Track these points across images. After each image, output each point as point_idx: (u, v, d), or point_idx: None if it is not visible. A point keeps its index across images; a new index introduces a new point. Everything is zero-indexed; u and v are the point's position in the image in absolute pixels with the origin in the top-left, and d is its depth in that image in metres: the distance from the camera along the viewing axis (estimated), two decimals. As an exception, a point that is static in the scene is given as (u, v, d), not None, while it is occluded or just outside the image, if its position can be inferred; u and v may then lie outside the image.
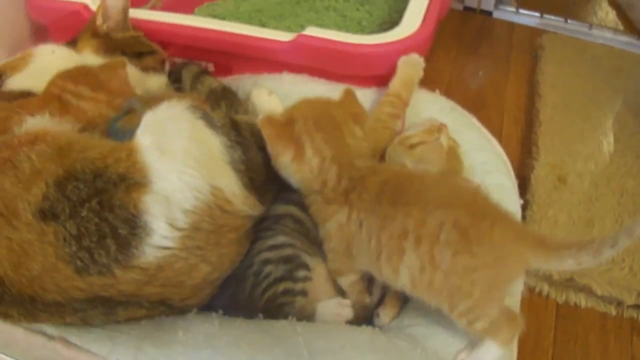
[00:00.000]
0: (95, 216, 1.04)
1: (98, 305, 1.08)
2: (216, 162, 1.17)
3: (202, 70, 1.63)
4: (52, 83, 1.28)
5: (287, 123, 1.25)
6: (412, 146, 1.40)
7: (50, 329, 1.15)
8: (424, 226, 1.10)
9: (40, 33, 1.99)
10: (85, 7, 1.78)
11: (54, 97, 1.25)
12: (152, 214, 1.06)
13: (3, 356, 1.24)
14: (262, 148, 1.25)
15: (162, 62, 1.64)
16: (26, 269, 1.02)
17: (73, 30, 1.69)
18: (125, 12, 1.58)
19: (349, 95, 1.34)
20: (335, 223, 1.23)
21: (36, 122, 1.17)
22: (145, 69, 1.54)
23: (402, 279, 1.14)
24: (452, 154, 1.46)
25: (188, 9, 2.31)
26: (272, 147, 1.24)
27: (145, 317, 1.15)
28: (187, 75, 1.63)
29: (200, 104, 1.22)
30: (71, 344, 1.15)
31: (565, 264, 1.08)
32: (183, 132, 1.15)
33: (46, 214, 1.03)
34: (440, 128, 1.44)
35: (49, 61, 1.42)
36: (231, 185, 1.17)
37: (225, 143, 1.19)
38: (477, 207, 1.13)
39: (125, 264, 1.05)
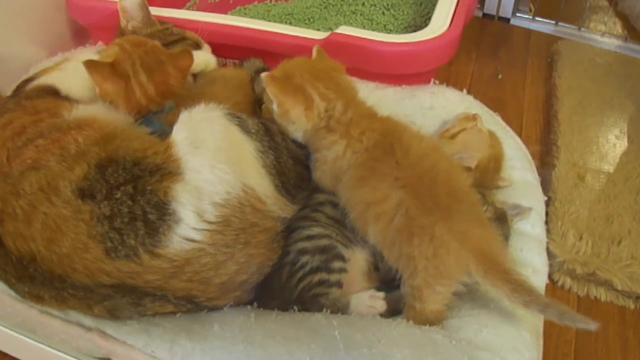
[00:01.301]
0: (129, 199, 1.01)
1: (125, 294, 1.03)
2: (249, 164, 1.14)
3: (264, 67, 1.55)
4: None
5: (286, 77, 1.21)
6: (453, 136, 1.40)
7: (87, 321, 1.11)
8: (385, 203, 1.11)
9: (80, 33, 1.96)
10: None
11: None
12: (180, 202, 1.02)
13: (43, 346, 1.22)
14: (292, 154, 1.22)
15: (197, 45, 1.57)
16: (57, 246, 0.99)
17: (112, 30, 1.67)
18: (143, 8, 1.54)
19: (321, 53, 1.31)
20: (333, 153, 1.20)
21: (86, 109, 1.15)
22: None
23: (371, 241, 1.16)
24: (494, 140, 1.43)
25: (221, 13, 2.23)
26: (282, 103, 1.20)
27: (173, 313, 1.10)
28: (249, 67, 1.58)
29: (236, 112, 1.19)
30: (107, 335, 1.10)
31: (496, 292, 1.06)
32: (217, 133, 1.12)
33: (84, 193, 1.01)
34: (475, 116, 1.43)
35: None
36: (264, 186, 1.13)
37: (258, 148, 1.16)
38: (433, 198, 1.09)
39: (153, 249, 1.00)
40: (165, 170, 1.05)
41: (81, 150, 1.05)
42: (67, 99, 1.22)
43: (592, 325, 1.02)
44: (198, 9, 2.36)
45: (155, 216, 1.00)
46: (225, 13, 2.31)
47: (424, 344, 1.07)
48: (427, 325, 1.13)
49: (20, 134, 1.08)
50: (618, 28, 2.48)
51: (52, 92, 1.23)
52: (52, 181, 1.01)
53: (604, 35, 2.38)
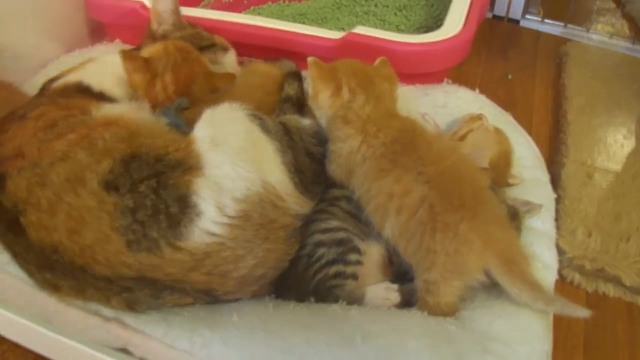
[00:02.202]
0: (152, 193, 1.04)
1: (145, 286, 1.05)
2: (269, 162, 1.16)
3: (295, 71, 1.55)
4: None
5: (331, 68, 1.28)
6: (462, 138, 1.42)
7: (106, 311, 1.12)
8: (407, 197, 1.13)
9: (96, 30, 1.99)
10: (143, 5, 1.79)
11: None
12: (201, 196, 1.04)
13: (58, 337, 1.21)
14: (309, 153, 1.26)
15: (224, 51, 1.59)
16: (80, 237, 1.02)
17: (130, 28, 1.74)
18: (176, 13, 1.55)
19: (383, 63, 1.35)
20: (348, 146, 1.23)
21: (113, 108, 1.19)
22: (212, 62, 1.49)
23: (386, 233, 1.17)
24: (501, 136, 1.45)
25: (235, 12, 2.24)
26: (315, 85, 1.27)
27: (190, 305, 1.11)
28: (281, 68, 1.58)
29: (258, 112, 1.22)
30: (127, 325, 1.12)
31: (510, 291, 1.09)
32: (239, 133, 1.15)
33: (110, 185, 1.04)
34: (480, 116, 1.46)
35: (107, 61, 1.40)
36: (283, 183, 1.15)
37: (277, 147, 1.18)
38: (460, 197, 1.12)
39: (174, 242, 1.02)
40: (187, 165, 1.07)
41: (108, 146, 1.08)
42: (100, 96, 1.25)
43: (585, 313, 1.08)
44: (212, 9, 2.34)
45: (177, 209, 1.02)
46: (239, 13, 2.31)
47: (439, 334, 1.09)
48: (441, 317, 1.15)
49: (52, 126, 1.11)
50: (626, 30, 2.48)
51: (83, 89, 1.25)
52: (80, 173, 1.04)
53: (612, 37, 2.39)
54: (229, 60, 1.58)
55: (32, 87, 1.43)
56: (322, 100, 1.26)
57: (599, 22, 2.49)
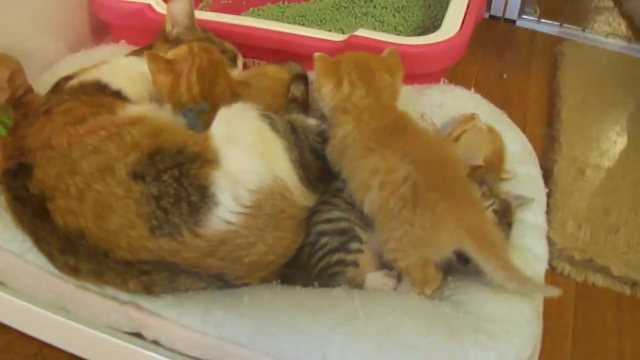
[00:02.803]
0: (174, 182, 1.14)
1: (162, 270, 1.14)
2: (278, 158, 1.26)
3: (301, 73, 1.65)
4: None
5: (335, 62, 1.39)
6: (456, 138, 1.49)
7: (122, 294, 1.21)
8: (393, 173, 1.22)
9: (98, 30, 2.05)
10: (149, 6, 1.85)
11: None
12: (219, 187, 1.15)
13: (72, 323, 1.31)
14: (314, 150, 1.36)
15: (234, 58, 1.68)
16: (106, 222, 1.12)
17: (136, 29, 1.80)
18: (190, 16, 1.62)
19: (391, 53, 1.45)
20: (342, 131, 1.33)
21: (137, 109, 1.30)
22: None
23: (365, 208, 1.27)
24: (494, 134, 1.53)
25: (234, 14, 2.31)
26: (319, 79, 1.39)
27: (203, 289, 1.21)
28: (289, 70, 1.67)
29: (267, 112, 1.32)
30: (142, 308, 1.21)
31: (485, 268, 1.18)
32: (251, 130, 1.26)
33: (137, 175, 1.15)
34: (472, 116, 1.53)
35: (121, 63, 1.52)
36: (291, 177, 1.26)
37: (285, 145, 1.28)
38: (440, 179, 1.22)
39: (194, 228, 1.12)
40: (204, 158, 1.18)
41: (135, 141, 1.19)
42: (117, 94, 1.36)
43: (556, 292, 1.19)
44: (211, 10, 2.41)
45: (197, 198, 1.13)
46: (239, 14, 2.38)
47: (434, 314, 1.18)
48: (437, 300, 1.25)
49: (80, 121, 1.22)
50: (623, 29, 2.56)
51: (102, 88, 1.36)
52: (109, 163, 1.15)
53: (607, 36, 2.46)
54: (237, 66, 1.66)
55: (39, 85, 1.51)
56: (325, 93, 1.37)
57: (596, 22, 2.57)
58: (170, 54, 1.43)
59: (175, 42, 1.59)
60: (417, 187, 1.19)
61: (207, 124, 1.28)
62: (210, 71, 1.41)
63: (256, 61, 1.86)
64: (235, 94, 1.42)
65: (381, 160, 1.24)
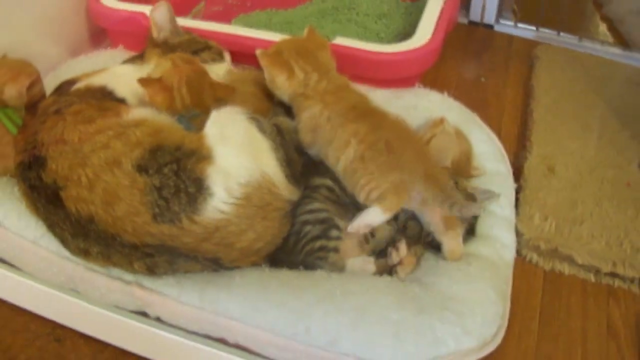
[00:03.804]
0: (173, 175, 1.30)
1: (164, 253, 1.30)
2: (265, 156, 1.42)
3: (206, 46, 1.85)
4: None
5: (277, 53, 1.58)
6: (427, 142, 1.65)
7: (127, 276, 1.37)
8: (370, 135, 1.43)
9: (95, 36, 2.19)
10: (144, 15, 1.99)
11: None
12: (213, 180, 1.31)
13: (82, 302, 1.46)
14: (298, 149, 1.53)
15: (220, 53, 1.85)
16: (114, 209, 1.27)
17: (131, 35, 1.95)
18: (172, 21, 1.81)
19: (312, 32, 1.66)
20: (309, 113, 1.52)
21: (140, 112, 1.46)
22: (204, 61, 1.73)
23: (339, 166, 1.45)
24: (461, 137, 1.69)
25: (224, 21, 2.44)
26: (270, 72, 1.57)
27: (200, 271, 1.37)
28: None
29: (255, 114, 1.48)
30: (145, 287, 1.37)
31: (427, 197, 1.40)
32: (240, 130, 1.42)
33: (141, 168, 1.30)
34: (441, 120, 1.69)
35: (123, 70, 1.71)
36: (277, 174, 1.41)
37: (272, 146, 1.44)
38: (408, 143, 1.47)
39: (191, 216, 1.27)
40: (200, 155, 1.33)
41: (139, 139, 1.34)
42: (122, 100, 1.52)
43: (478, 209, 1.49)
44: (203, 17, 2.49)
45: (194, 189, 1.28)
46: (229, 20, 2.53)
47: (404, 293, 1.36)
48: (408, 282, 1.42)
49: (90, 122, 1.37)
50: (601, 31, 2.69)
51: (108, 94, 1.53)
52: (117, 157, 1.30)
53: (582, 40, 2.59)
54: (226, 59, 1.85)
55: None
56: (280, 83, 1.56)
57: (574, 25, 2.68)
58: (156, 71, 1.58)
59: (163, 45, 1.78)
60: (389, 142, 1.41)
61: (200, 126, 1.44)
62: (196, 81, 1.56)
63: (245, 66, 1.98)
64: (218, 98, 1.57)
65: (360, 126, 1.44)
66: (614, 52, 2.56)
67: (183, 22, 1.96)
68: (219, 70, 1.77)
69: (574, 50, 2.57)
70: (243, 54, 1.91)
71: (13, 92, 1.51)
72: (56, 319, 1.57)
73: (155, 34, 1.80)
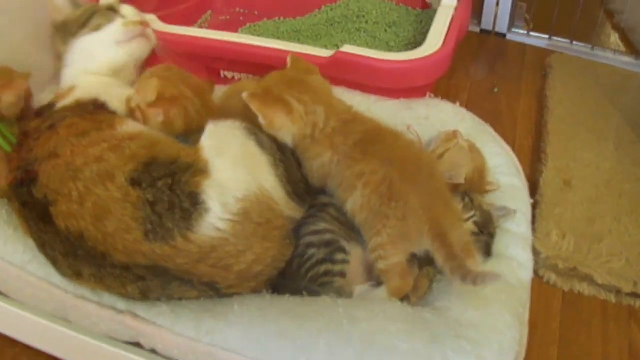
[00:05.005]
0: (167, 189, 1.21)
1: (157, 276, 1.20)
2: (263, 172, 1.32)
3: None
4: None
5: (265, 92, 1.39)
6: (440, 156, 1.53)
7: (120, 304, 1.26)
8: (375, 175, 1.29)
9: None
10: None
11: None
12: (208, 195, 1.22)
13: (73, 333, 1.36)
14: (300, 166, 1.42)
15: (113, 10, 1.64)
16: (104, 225, 1.18)
17: None
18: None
19: (295, 60, 1.51)
20: (319, 162, 1.38)
21: (135, 125, 1.38)
22: (98, 27, 1.58)
23: (349, 208, 1.33)
24: (475, 152, 1.57)
25: (231, 30, 2.40)
26: (266, 115, 1.37)
27: (196, 298, 1.26)
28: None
29: (253, 128, 1.38)
30: (138, 317, 1.26)
31: (436, 258, 1.24)
32: (238, 145, 1.34)
33: (134, 182, 1.22)
34: (455, 134, 1.57)
35: (106, 81, 1.57)
36: (276, 190, 1.31)
37: (271, 161, 1.34)
38: (415, 175, 1.30)
39: (186, 233, 1.18)
40: (196, 168, 1.25)
41: (133, 152, 1.27)
42: (114, 113, 1.43)
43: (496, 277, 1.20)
44: (209, 26, 2.50)
45: (188, 204, 1.20)
46: (236, 30, 2.45)
47: (416, 320, 1.23)
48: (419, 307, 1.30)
49: (84, 134, 1.30)
50: (612, 41, 2.61)
51: (100, 106, 1.43)
52: (110, 170, 1.23)
53: (594, 49, 2.50)
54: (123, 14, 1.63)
55: (44, 100, 1.52)
56: (280, 124, 1.37)
57: (586, 34, 2.57)
58: (148, 92, 1.42)
59: (63, 29, 1.61)
60: (393, 183, 1.27)
61: (196, 139, 1.35)
62: (189, 79, 1.50)
63: (249, 76, 1.92)
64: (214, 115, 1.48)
65: (366, 165, 1.31)
66: (627, 61, 2.49)
67: (189, 32, 1.91)
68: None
69: (587, 59, 2.49)
70: (250, 64, 1.86)
71: (11, 98, 1.43)
72: (49, 351, 1.48)
73: (58, 18, 1.64)
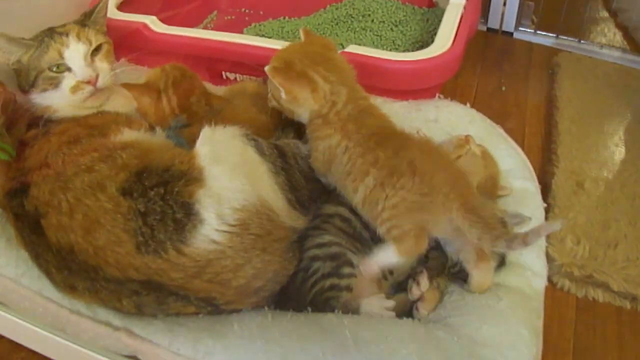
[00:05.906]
0: (160, 199, 1.13)
1: (151, 291, 1.12)
2: (262, 180, 1.24)
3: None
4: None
5: (288, 66, 1.31)
6: None
7: (115, 320, 1.18)
8: (391, 159, 1.21)
9: None
10: (145, 25, 1.86)
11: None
12: (203, 205, 1.13)
13: (72, 344, 1.29)
14: (306, 174, 1.34)
15: None
16: (94, 238, 1.11)
17: (132, 47, 1.72)
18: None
19: (309, 34, 1.42)
20: (325, 144, 1.29)
21: (130, 134, 1.31)
22: None
23: (357, 197, 1.24)
24: (487, 158, 1.49)
25: (236, 30, 2.35)
26: (289, 90, 1.29)
27: (194, 314, 1.17)
28: None
29: (253, 134, 1.30)
30: (134, 334, 1.17)
31: (470, 235, 1.14)
32: (236, 151, 1.24)
33: (125, 191, 1.15)
34: (467, 140, 1.48)
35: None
36: (276, 199, 1.24)
37: (271, 169, 1.27)
38: (436, 161, 1.23)
39: (179, 246, 1.10)
40: (190, 176, 1.17)
41: (125, 162, 1.19)
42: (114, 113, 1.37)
43: (557, 225, 1.13)
44: (215, 26, 2.45)
45: (181, 215, 1.11)
46: (241, 30, 2.40)
47: (428, 341, 1.14)
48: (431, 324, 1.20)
49: (75, 142, 1.23)
50: (617, 39, 2.54)
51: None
52: (101, 181, 1.16)
53: (602, 47, 2.44)
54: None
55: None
56: (303, 100, 1.30)
57: (592, 32, 2.54)
58: (144, 77, 1.45)
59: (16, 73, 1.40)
60: (413, 163, 1.19)
61: (192, 141, 1.27)
62: (184, 84, 1.43)
63: (252, 77, 1.84)
64: (210, 104, 1.44)
65: (381, 152, 1.22)
66: (634, 60, 2.43)
67: (195, 32, 1.87)
68: None
69: (594, 58, 2.42)
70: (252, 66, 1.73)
71: None
72: (53, 357, 1.43)
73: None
